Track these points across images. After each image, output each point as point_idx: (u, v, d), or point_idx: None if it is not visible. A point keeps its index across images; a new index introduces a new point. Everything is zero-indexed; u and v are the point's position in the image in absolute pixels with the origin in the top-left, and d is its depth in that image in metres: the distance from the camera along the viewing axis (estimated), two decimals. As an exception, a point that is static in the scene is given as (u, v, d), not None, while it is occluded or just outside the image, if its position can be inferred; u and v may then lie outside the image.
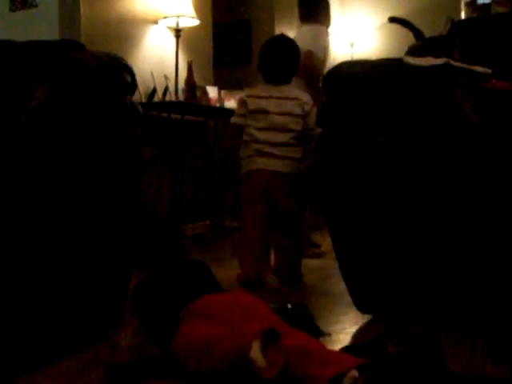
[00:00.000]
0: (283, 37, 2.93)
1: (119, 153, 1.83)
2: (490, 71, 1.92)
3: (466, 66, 1.91)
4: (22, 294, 1.53)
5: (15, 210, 1.50)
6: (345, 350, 1.52)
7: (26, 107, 1.56)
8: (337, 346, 1.67)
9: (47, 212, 1.58)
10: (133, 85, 1.89)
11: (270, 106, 2.65)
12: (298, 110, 2.63)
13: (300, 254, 2.78)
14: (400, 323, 1.79)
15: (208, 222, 4.65)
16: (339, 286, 2.39)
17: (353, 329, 1.87)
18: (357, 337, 1.80)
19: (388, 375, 1.40)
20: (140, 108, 1.93)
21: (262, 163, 2.61)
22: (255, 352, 1.31)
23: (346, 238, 2.01)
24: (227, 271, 2.94)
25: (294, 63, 2.82)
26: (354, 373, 1.28)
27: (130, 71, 1.87)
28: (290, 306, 1.82)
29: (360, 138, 1.91)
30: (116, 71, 1.81)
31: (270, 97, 2.67)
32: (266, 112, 2.64)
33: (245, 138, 2.69)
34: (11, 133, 1.52)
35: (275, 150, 2.60)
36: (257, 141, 2.63)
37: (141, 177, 1.97)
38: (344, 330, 1.81)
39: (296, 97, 2.68)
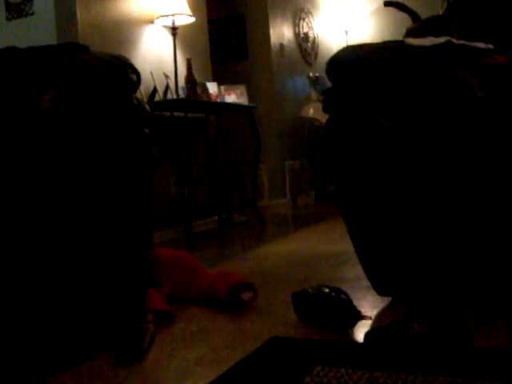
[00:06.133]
0: None
1: (129, 152, 1.83)
2: (492, 47, 1.93)
3: (467, 43, 1.92)
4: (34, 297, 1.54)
5: (26, 214, 1.51)
6: (372, 331, 1.53)
7: (35, 111, 1.56)
8: (362, 329, 1.68)
9: (58, 215, 1.59)
10: (138, 83, 1.89)
11: None
12: None
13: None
14: (420, 303, 1.80)
15: (216, 217, 4.67)
16: (354, 271, 2.41)
17: (374, 312, 1.88)
18: (380, 319, 1.81)
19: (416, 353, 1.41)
20: (147, 106, 1.93)
21: None
22: None
23: (361, 221, 2.01)
24: (243, 263, 2.95)
25: None
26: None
27: (134, 70, 1.87)
28: (327, 290, 1.83)
29: (367, 121, 1.91)
30: (121, 71, 1.81)
31: None
32: None
33: None
34: (21, 137, 1.52)
35: None
36: None
37: (152, 174, 1.98)
38: (365, 313, 1.82)
39: None
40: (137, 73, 1.89)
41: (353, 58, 1.96)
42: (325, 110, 2.09)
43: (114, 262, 1.79)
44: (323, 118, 2.78)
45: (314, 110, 5.96)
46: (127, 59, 1.88)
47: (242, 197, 4.90)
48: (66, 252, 1.61)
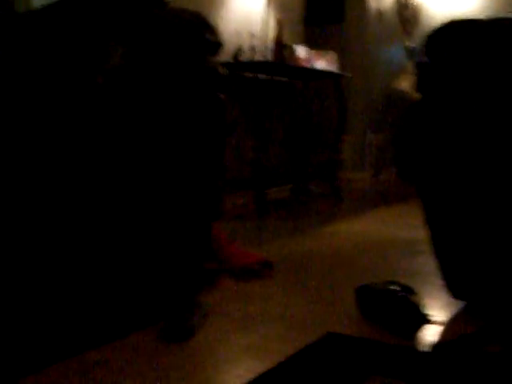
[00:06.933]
0: None
1: (199, 116, 1.73)
2: None
3: None
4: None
5: (91, 172, 1.45)
6: (440, 345, 1.37)
7: (103, 68, 1.48)
8: (428, 335, 1.53)
9: (123, 176, 1.52)
10: (216, 44, 1.77)
11: None
12: None
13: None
14: (497, 316, 1.62)
15: (291, 186, 4.54)
16: (429, 264, 2.22)
17: (443, 316, 1.71)
18: (450, 327, 1.64)
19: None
20: (222, 69, 1.82)
21: None
22: None
23: (442, 210, 1.82)
24: (311, 241, 2.83)
25: None
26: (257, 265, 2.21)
27: (212, 29, 1.74)
28: (395, 287, 1.69)
29: (464, 107, 1.71)
30: (197, 30, 1.69)
31: None
32: None
33: None
34: (87, 94, 1.45)
35: None
36: None
37: (224, 141, 1.87)
38: (434, 317, 1.66)
39: None
40: (214, 32, 1.76)
41: (457, 34, 1.75)
42: (418, 89, 1.90)
43: (176, 230, 1.72)
44: (415, 92, 2.57)
45: (406, 83, 5.64)
46: (206, 18, 1.75)
47: (321, 168, 4.73)
48: (129, 212, 1.55)
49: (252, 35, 3.78)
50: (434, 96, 1.81)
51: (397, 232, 3.09)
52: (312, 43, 4.57)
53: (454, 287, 1.85)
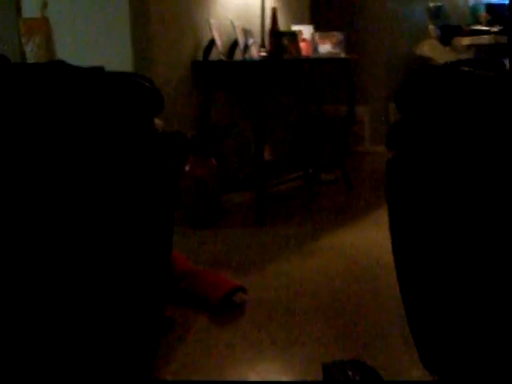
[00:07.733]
0: None
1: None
2: None
3: None
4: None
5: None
6: None
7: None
8: None
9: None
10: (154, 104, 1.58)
11: None
12: None
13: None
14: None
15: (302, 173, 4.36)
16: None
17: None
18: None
19: None
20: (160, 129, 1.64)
21: None
22: None
23: (417, 272, 1.64)
24: (302, 265, 2.64)
25: None
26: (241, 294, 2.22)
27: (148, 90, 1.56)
28: (351, 373, 1.55)
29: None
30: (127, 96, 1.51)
31: None
32: None
33: None
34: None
35: None
36: None
37: (171, 222, 1.68)
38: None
39: None
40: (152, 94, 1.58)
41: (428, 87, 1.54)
42: (387, 144, 1.70)
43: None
44: (439, 57, 2.31)
45: (428, 48, 5.28)
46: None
47: (332, 154, 4.51)
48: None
49: (245, 30, 3.49)
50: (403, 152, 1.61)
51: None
52: (318, 23, 4.28)
53: (427, 360, 1.69)
